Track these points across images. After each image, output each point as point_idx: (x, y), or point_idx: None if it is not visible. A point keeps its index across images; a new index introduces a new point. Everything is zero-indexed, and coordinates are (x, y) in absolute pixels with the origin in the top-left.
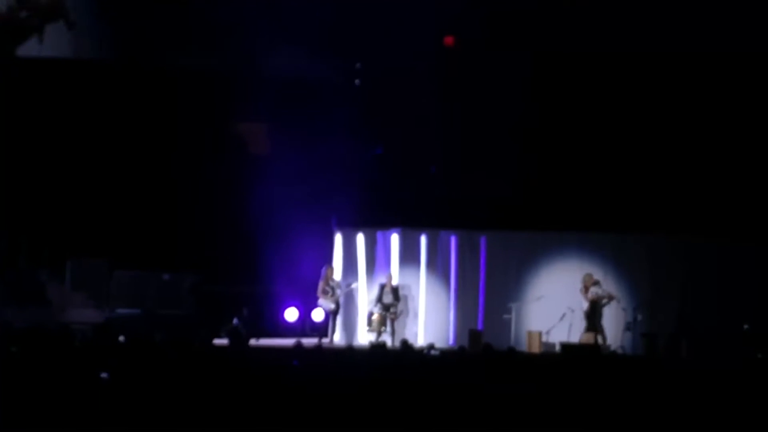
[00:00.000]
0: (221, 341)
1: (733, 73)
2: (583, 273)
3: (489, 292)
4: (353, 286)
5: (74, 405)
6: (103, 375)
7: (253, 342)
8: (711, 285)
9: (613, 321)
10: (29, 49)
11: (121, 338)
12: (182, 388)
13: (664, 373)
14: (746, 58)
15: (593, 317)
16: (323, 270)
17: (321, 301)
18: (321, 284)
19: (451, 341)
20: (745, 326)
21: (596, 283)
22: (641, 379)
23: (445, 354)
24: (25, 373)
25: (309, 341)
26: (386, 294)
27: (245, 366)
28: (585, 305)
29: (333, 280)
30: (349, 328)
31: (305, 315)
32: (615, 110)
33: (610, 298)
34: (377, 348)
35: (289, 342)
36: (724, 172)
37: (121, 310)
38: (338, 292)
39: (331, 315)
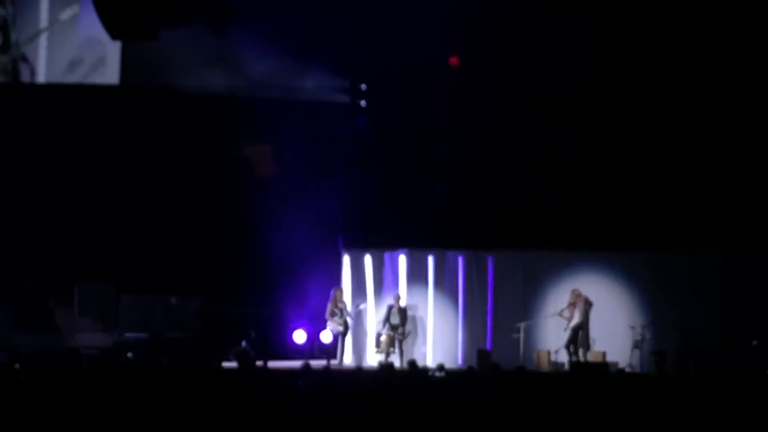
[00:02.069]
0: (230, 364)
1: None
2: (579, 290)
3: (497, 312)
4: (361, 307)
5: (82, 429)
6: (112, 399)
7: (259, 364)
8: (717, 300)
9: (621, 338)
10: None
11: (129, 354)
12: (190, 411)
13: (672, 391)
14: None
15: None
16: (332, 291)
17: (329, 322)
18: (330, 306)
19: (459, 361)
20: (754, 342)
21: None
22: (650, 397)
23: (453, 374)
24: (32, 398)
25: (318, 363)
26: (394, 315)
27: (254, 388)
28: (574, 323)
29: (342, 301)
30: (358, 350)
31: (314, 337)
32: (620, 129)
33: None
34: (385, 368)
35: (297, 364)
36: (726, 183)
37: (128, 334)
38: (346, 313)
39: (339, 336)
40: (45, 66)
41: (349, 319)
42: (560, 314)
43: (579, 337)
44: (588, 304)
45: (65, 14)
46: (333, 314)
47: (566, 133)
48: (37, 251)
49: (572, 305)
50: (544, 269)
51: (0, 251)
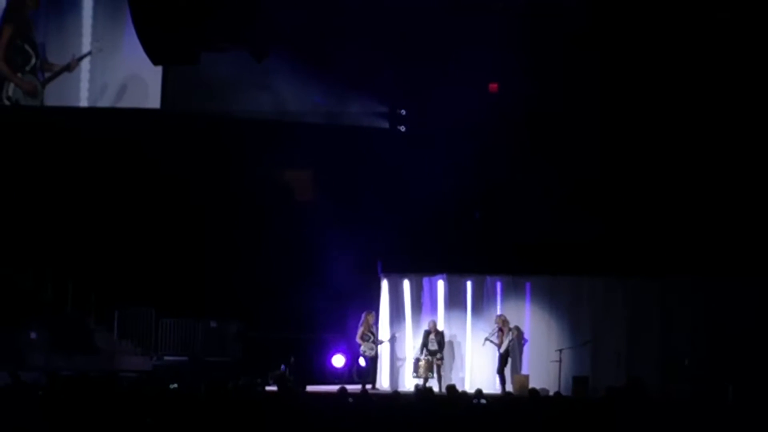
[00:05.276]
0: (269, 388)
1: None
2: (504, 316)
3: (534, 337)
4: (396, 335)
5: None
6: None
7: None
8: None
9: (658, 363)
10: (77, 98)
11: (174, 386)
12: None
13: (710, 418)
14: None
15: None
16: (362, 316)
17: (362, 347)
18: (361, 330)
19: (497, 386)
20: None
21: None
22: (688, 423)
23: (492, 400)
24: (72, 420)
25: (354, 388)
26: (432, 341)
27: (292, 412)
28: (503, 348)
29: (374, 326)
30: (395, 375)
31: (352, 361)
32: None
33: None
34: (423, 393)
35: (335, 388)
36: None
37: (168, 358)
38: (378, 337)
39: (371, 361)
40: (87, 98)
41: (379, 343)
42: (489, 339)
43: (508, 363)
44: (515, 332)
45: (106, 44)
46: (364, 338)
47: (604, 161)
48: (78, 274)
49: (500, 331)
50: (582, 295)
51: (42, 274)
